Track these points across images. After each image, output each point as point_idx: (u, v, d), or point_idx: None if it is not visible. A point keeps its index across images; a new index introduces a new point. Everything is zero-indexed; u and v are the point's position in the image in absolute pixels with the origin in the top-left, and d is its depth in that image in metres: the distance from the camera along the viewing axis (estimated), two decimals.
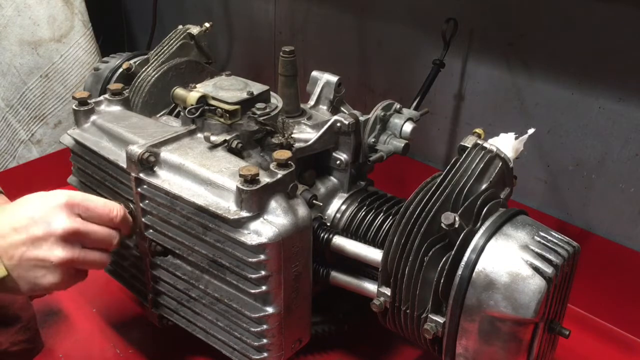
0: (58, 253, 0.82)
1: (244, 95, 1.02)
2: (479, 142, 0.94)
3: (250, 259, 0.87)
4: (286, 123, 1.04)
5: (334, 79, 1.17)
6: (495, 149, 0.93)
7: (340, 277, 1.04)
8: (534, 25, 1.36)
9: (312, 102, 1.18)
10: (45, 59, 1.91)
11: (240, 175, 0.85)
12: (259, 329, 0.92)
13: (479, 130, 0.99)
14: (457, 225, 0.83)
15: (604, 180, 1.35)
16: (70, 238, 0.83)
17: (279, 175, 0.87)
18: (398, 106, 1.12)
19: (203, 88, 1.03)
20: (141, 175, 0.94)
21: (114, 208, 0.90)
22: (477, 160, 0.92)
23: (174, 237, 0.96)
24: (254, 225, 0.86)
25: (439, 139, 1.62)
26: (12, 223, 0.81)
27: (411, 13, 1.57)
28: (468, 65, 1.49)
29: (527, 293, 0.79)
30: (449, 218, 0.83)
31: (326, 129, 1.07)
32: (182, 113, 1.05)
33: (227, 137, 0.99)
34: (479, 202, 0.88)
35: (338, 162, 1.10)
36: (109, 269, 1.14)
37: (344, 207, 1.11)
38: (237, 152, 0.99)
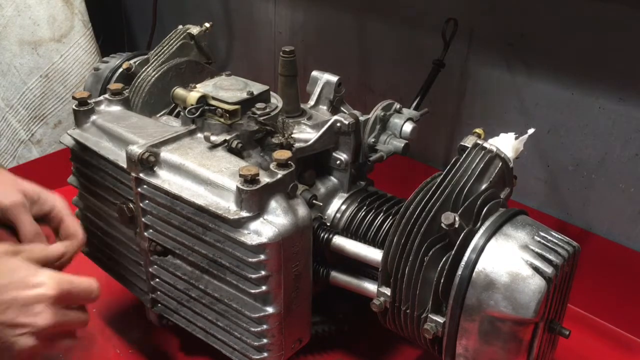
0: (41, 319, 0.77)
1: (244, 95, 1.02)
2: (479, 142, 0.94)
3: (250, 259, 0.87)
4: (286, 123, 1.04)
5: (334, 79, 1.17)
6: (495, 149, 0.93)
7: (340, 277, 1.04)
8: (534, 25, 1.36)
9: (312, 102, 1.18)
10: (45, 59, 1.91)
11: (240, 175, 0.85)
12: (259, 329, 0.92)
13: (479, 130, 0.99)
14: (457, 225, 0.83)
15: (604, 180, 1.35)
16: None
17: (279, 175, 0.87)
18: (398, 106, 1.12)
19: (203, 88, 1.03)
20: (141, 175, 0.94)
21: (93, 286, 0.83)
22: (477, 160, 0.92)
23: (174, 237, 0.96)
24: (254, 225, 0.86)
25: (439, 139, 1.62)
26: None
27: (411, 13, 1.57)
28: (468, 65, 1.49)
29: (527, 293, 0.79)
30: (449, 218, 0.83)
31: (326, 129, 1.07)
32: (182, 113, 1.05)
33: (227, 137, 0.99)
34: (479, 202, 0.88)
35: (338, 162, 1.10)
36: (109, 269, 1.14)
37: (344, 207, 1.11)
38: (237, 152, 0.99)
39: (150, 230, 0.99)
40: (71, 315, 0.81)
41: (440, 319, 0.87)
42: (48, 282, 0.77)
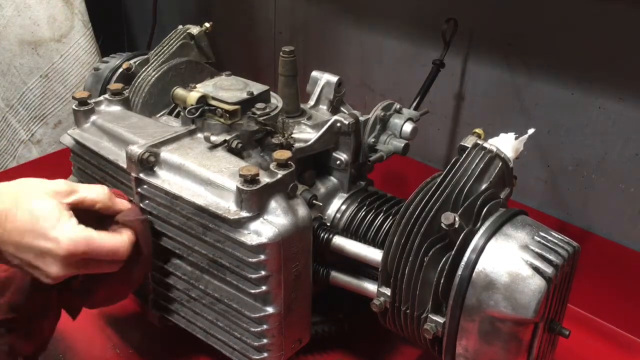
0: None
1: (244, 95, 1.02)
2: (479, 142, 0.94)
3: (250, 259, 0.87)
4: (286, 123, 1.04)
5: (334, 79, 1.17)
6: (495, 149, 0.93)
7: (340, 277, 1.04)
8: (534, 25, 1.36)
9: (312, 102, 1.18)
10: (45, 59, 1.91)
11: (240, 175, 0.85)
12: (259, 329, 0.92)
13: (479, 130, 0.99)
14: (457, 225, 0.83)
15: (604, 180, 1.35)
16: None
17: (279, 175, 0.87)
18: (398, 106, 1.12)
19: (203, 88, 1.03)
20: (141, 175, 0.94)
21: (119, 250, 0.85)
22: (477, 160, 0.92)
23: (174, 237, 0.96)
24: (254, 225, 0.86)
25: (439, 139, 1.62)
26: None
27: (411, 13, 1.57)
28: (468, 65, 1.49)
29: (527, 293, 0.79)
30: (449, 218, 0.83)
31: (326, 129, 1.07)
32: (182, 113, 1.05)
33: (227, 137, 0.99)
34: (479, 202, 0.88)
35: (338, 162, 1.10)
36: None
37: (344, 207, 1.11)
38: (237, 152, 0.99)
39: None
40: (91, 267, 0.84)
41: (440, 319, 0.87)
42: (62, 240, 0.79)
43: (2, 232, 0.79)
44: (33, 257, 0.80)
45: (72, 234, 0.80)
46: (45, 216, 0.80)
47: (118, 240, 0.86)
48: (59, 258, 0.80)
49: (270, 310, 0.90)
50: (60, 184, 0.85)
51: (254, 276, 0.88)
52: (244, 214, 0.86)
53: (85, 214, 0.85)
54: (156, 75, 1.24)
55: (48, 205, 0.81)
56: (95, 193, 0.87)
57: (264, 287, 0.88)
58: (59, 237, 0.80)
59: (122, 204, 0.91)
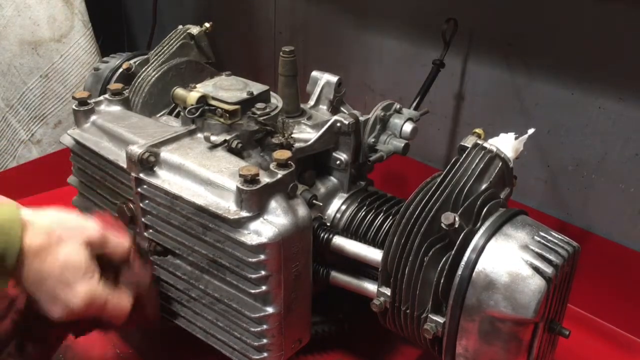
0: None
1: (244, 95, 1.02)
2: (479, 142, 0.94)
3: (250, 259, 0.87)
4: (286, 123, 1.04)
5: (334, 79, 1.17)
6: (495, 149, 0.93)
7: (340, 277, 1.04)
8: (534, 25, 1.36)
9: (312, 102, 1.18)
10: (45, 59, 1.91)
11: (240, 175, 0.85)
12: (259, 329, 0.92)
13: (479, 130, 0.99)
14: (457, 225, 0.83)
15: (604, 180, 1.35)
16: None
17: (279, 175, 0.87)
18: (398, 106, 1.12)
19: (203, 88, 1.03)
20: (141, 175, 0.94)
21: (122, 314, 0.88)
22: (477, 160, 0.92)
23: (174, 237, 0.96)
24: (254, 225, 0.86)
25: (439, 139, 1.62)
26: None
27: (411, 13, 1.57)
28: (468, 65, 1.49)
29: (527, 293, 0.79)
30: (449, 218, 0.83)
31: (326, 129, 1.07)
32: (182, 113, 1.05)
33: (227, 137, 0.99)
34: (479, 202, 0.88)
35: (338, 162, 1.10)
36: None
37: (344, 207, 1.11)
38: (237, 152, 0.99)
39: (150, 231, 0.99)
40: (91, 318, 0.85)
41: (440, 319, 0.87)
42: (82, 295, 0.81)
43: (28, 268, 0.78)
44: (47, 298, 0.81)
45: (93, 292, 0.82)
46: (75, 268, 0.81)
47: (125, 303, 0.88)
48: (70, 308, 0.81)
49: (270, 310, 0.90)
50: (94, 233, 0.85)
51: (254, 276, 0.88)
52: (244, 213, 0.86)
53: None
54: (156, 75, 1.24)
55: (79, 257, 0.82)
56: (122, 248, 0.89)
57: (264, 287, 0.88)
58: (80, 292, 0.81)
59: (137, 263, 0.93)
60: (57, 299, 0.80)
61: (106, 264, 0.87)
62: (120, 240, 0.89)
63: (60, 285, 0.80)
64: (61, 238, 0.81)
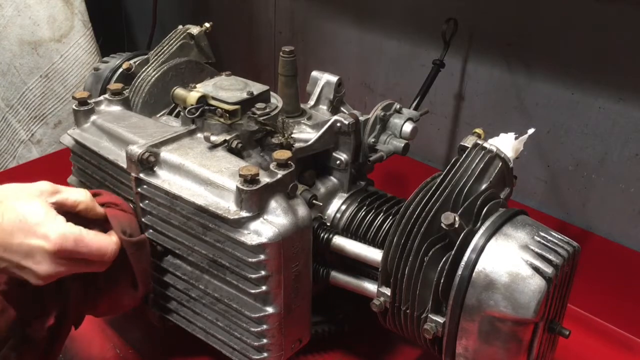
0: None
1: (244, 95, 1.02)
2: (479, 142, 0.94)
3: (250, 259, 0.87)
4: (286, 123, 1.04)
5: (334, 79, 1.17)
6: (495, 149, 0.93)
7: (340, 277, 1.04)
8: (534, 25, 1.36)
9: (312, 102, 1.18)
10: (45, 59, 1.91)
11: (240, 175, 0.85)
12: (259, 329, 0.92)
13: (479, 130, 0.99)
14: (457, 225, 0.83)
15: (604, 180, 1.35)
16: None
17: (279, 175, 0.87)
18: (398, 106, 1.12)
19: (203, 88, 1.03)
20: (141, 175, 0.94)
21: (107, 249, 0.86)
22: (477, 160, 0.92)
23: (174, 237, 0.96)
24: (254, 225, 0.86)
25: (439, 139, 1.62)
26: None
27: (411, 13, 1.57)
28: (468, 65, 1.49)
29: (527, 293, 0.79)
30: (449, 218, 0.83)
31: (326, 129, 1.07)
32: (182, 113, 1.05)
33: (227, 137, 0.99)
34: (479, 202, 0.88)
35: (338, 162, 1.10)
36: None
37: (344, 207, 1.11)
38: (237, 152, 0.99)
39: (150, 230, 0.99)
40: (79, 266, 0.85)
41: (440, 319, 0.87)
42: (51, 235, 0.80)
43: None
44: (22, 257, 0.80)
45: (61, 230, 0.81)
46: (33, 214, 0.81)
47: (106, 239, 0.87)
48: (49, 254, 0.80)
49: (270, 310, 0.90)
50: (44, 185, 0.86)
51: (254, 276, 0.88)
52: (244, 214, 0.86)
53: (71, 219, 0.86)
54: (156, 75, 1.24)
55: (35, 204, 0.82)
56: (78, 194, 0.88)
57: (264, 287, 0.88)
58: (49, 233, 0.80)
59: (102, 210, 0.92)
60: (31, 252, 0.80)
61: (82, 221, 0.86)
62: (74, 189, 0.89)
63: (28, 236, 0.79)
64: (11, 197, 0.81)
